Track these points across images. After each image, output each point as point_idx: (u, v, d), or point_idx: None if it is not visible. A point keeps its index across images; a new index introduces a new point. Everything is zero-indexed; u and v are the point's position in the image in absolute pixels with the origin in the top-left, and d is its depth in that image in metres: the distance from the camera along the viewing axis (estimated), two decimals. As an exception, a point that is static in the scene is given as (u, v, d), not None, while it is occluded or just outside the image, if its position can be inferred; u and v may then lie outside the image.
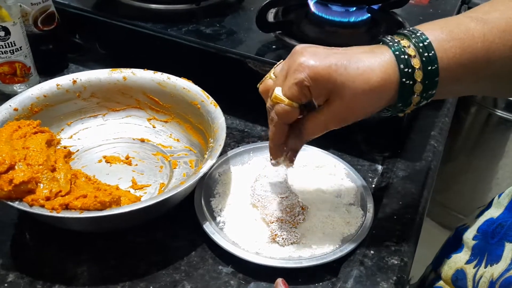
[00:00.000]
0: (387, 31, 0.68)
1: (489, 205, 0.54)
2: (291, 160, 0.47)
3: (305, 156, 0.59)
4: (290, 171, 0.56)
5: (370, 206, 0.52)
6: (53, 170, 0.47)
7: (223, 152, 0.58)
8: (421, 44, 0.39)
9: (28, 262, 0.48)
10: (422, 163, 0.59)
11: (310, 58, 0.40)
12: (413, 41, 0.39)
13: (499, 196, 0.53)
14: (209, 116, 0.57)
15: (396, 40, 0.40)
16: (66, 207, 0.43)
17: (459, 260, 0.52)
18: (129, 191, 0.50)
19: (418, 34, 0.39)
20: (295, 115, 0.42)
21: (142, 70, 0.62)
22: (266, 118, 0.56)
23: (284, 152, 0.46)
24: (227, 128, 0.56)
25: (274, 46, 0.65)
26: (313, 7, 0.67)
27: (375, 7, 0.65)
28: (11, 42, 0.64)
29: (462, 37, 0.38)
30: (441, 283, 0.54)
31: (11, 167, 0.44)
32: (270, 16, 0.69)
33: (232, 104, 0.64)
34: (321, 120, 0.42)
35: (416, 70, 0.39)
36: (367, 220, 0.51)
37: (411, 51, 0.39)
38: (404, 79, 0.39)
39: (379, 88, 0.39)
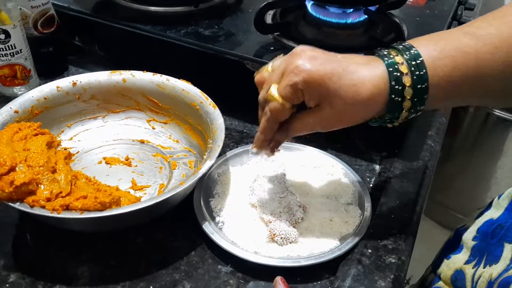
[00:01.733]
0: (383, 32, 0.68)
1: (488, 206, 0.54)
2: (272, 151, 0.49)
3: (303, 156, 0.60)
4: (288, 171, 0.57)
5: (368, 205, 0.53)
6: (54, 171, 0.47)
7: (222, 152, 0.58)
8: (413, 62, 0.40)
9: (29, 262, 0.49)
10: (419, 162, 0.59)
11: (308, 62, 0.41)
12: (406, 58, 0.40)
13: (499, 197, 0.53)
14: (208, 117, 0.57)
15: (391, 56, 0.41)
16: (67, 208, 0.44)
17: (458, 260, 0.52)
18: (129, 192, 0.50)
19: (412, 51, 0.40)
20: (286, 114, 0.44)
21: (141, 72, 0.63)
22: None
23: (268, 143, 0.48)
24: (226, 129, 0.56)
25: (272, 48, 0.66)
26: (310, 9, 0.68)
27: (372, 8, 0.65)
28: (11, 45, 0.65)
29: (454, 54, 0.39)
30: (440, 283, 0.54)
31: (12, 169, 0.44)
32: (268, 18, 0.70)
33: (231, 105, 0.65)
34: (309, 122, 0.44)
35: (406, 88, 0.40)
36: (365, 219, 0.51)
37: (403, 68, 0.40)
38: (393, 95, 0.40)
39: (368, 101, 0.40)
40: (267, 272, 0.47)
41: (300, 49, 0.43)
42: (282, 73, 0.42)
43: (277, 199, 0.52)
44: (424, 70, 0.39)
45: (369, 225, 0.50)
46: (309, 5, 0.68)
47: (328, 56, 0.42)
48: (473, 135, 1.45)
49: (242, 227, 0.51)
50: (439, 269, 0.55)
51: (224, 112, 0.58)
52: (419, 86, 0.39)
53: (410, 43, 0.41)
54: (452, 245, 0.55)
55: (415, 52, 0.40)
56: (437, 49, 0.40)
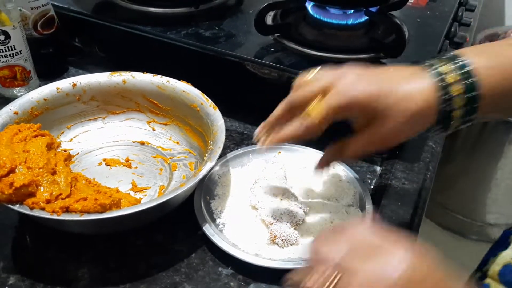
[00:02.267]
0: (384, 33, 0.68)
1: None
2: (271, 143, 0.46)
3: (304, 158, 0.60)
4: (289, 172, 0.57)
5: (369, 207, 0.53)
6: (54, 173, 0.47)
7: (223, 154, 0.58)
8: (462, 71, 0.40)
9: (29, 264, 0.48)
10: (420, 164, 0.59)
11: (354, 83, 0.41)
12: (454, 67, 0.40)
13: None
14: (209, 118, 0.57)
15: (436, 66, 0.41)
16: (67, 209, 0.44)
17: (506, 255, 0.53)
18: (129, 194, 0.50)
19: (460, 60, 0.40)
20: (318, 134, 0.43)
21: (141, 73, 0.62)
22: (265, 119, 0.56)
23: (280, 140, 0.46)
24: (227, 130, 0.56)
25: (272, 49, 0.65)
26: (311, 10, 0.68)
27: (373, 9, 0.65)
28: (11, 46, 0.65)
29: (504, 64, 0.39)
30: (487, 280, 0.54)
31: (12, 171, 0.44)
32: (269, 19, 0.70)
33: (231, 106, 0.65)
34: (361, 143, 0.43)
35: (456, 97, 0.39)
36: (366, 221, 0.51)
37: (450, 78, 0.40)
38: (443, 106, 0.40)
39: (418, 115, 0.40)
40: (268, 274, 0.47)
41: (346, 68, 0.43)
42: (325, 89, 0.42)
43: (277, 201, 0.52)
44: (475, 79, 0.39)
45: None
46: (309, 6, 0.68)
47: (375, 74, 0.42)
48: (474, 137, 1.45)
49: (242, 229, 0.50)
50: (486, 267, 0.55)
51: (224, 113, 0.58)
52: (469, 94, 0.39)
53: (455, 53, 0.41)
54: (499, 245, 0.56)
55: (464, 60, 0.40)
56: (486, 59, 0.40)
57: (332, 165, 0.58)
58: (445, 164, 1.52)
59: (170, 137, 0.63)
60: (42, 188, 0.45)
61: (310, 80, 0.44)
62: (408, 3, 0.74)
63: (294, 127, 0.44)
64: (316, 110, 0.42)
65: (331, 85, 0.42)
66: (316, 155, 0.60)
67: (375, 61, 0.64)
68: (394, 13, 0.73)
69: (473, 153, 1.47)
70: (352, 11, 0.66)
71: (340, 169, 0.58)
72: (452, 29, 0.76)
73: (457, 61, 0.40)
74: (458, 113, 0.40)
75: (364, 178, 0.59)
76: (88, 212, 0.43)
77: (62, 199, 0.45)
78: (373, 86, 0.40)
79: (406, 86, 0.40)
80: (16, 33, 0.65)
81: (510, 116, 0.46)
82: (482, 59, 0.40)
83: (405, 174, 0.58)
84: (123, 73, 0.62)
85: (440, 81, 0.39)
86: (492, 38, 1.55)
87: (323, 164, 0.48)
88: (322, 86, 0.42)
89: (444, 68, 0.40)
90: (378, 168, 0.61)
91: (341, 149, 0.45)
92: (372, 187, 0.59)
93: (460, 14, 0.81)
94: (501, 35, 1.55)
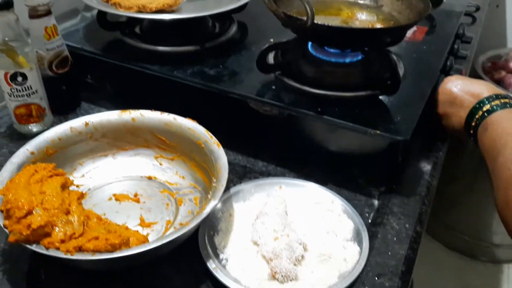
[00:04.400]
0: (381, 69, 0.71)
1: None
2: None
3: (305, 192, 0.62)
4: (290, 207, 0.59)
5: (366, 242, 0.55)
6: (67, 213, 0.50)
7: (226, 188, 0.60)
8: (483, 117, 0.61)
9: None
10: (416, 198, 0.62)
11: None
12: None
13: None
14: (213, 155, 0.60)
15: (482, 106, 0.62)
16: (80, 249, 0.47)
17: None
18: (137, 231, 0.53)
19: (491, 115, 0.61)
20: None
21: (149, 111, 0.66)
22: (267, 153, 0.59)
23: None
24: (230, 163, 0.59)
25: (273, 86, 0.69)
26: (310, 48, 0.71)
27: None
28: (28, 86, 0.69)
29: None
30: None
31: (29, 212, 0.47)
32: (270, 57, 0.73)
33: (235, 140, 0.68)
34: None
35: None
36: (363, 256, 0.53)
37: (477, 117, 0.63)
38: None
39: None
40: (268, 309, 0.49)
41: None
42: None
43: (278, 236, 0.54)
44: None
45: (366, 262, 0.53)
46: (309, 45, 0.71)
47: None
48: (478, 156, 1.45)
49: (244, 264, 0.53)
50: None
51: (228, 147, 0.61)
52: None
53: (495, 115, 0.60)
54: None
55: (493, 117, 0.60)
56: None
57: (332, 199, 0.61)
58: (450, 183, 1.52)
59: (176, 171, 0.66)
60: (57, 228, 0.48)
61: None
62: (405, 38, 0.77)
63: None
64: None
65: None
66: (316, 189, 0.63)
67: (372, 99, 0.66)
68: (391, 48, 0.76)
69: (478, 172, 1.47)
70: (350, 50, 0.69)
71: (338, 204, 0.61)
72: (448, 63, 0.78)
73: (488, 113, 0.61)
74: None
75: (362, 212, 0.61)
76: (99, 251, 0.46)
77: (75, 238, 0.48)
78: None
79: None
80: (32, 74, 0.69)
81: None
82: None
83: (401, 209, 0.60)
84: (132, 111, 0.66)
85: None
86: (495, 59, 1.57)
87: None
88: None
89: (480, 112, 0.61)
90: (376, 202, 0.64)
91: None
92: (370, 221, 0.61)
93: (456, 47, 0.84)
94: (503, 57, 1.58)
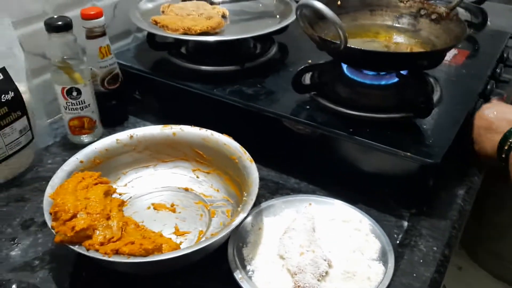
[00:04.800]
0: (416, 92, 0.71)
1: None
2: None
3: (333, 210, 0.64)
4: (317, 224, 0.61)
5: (392, 262, 0.55)
6: (108, 218, 0.54)
7: (257, 203, 0.63)
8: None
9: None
10: (447, 222, 0.61)
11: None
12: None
13: None
14: (245, 171, 0.63)
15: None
16: (116, 252, 0.50)
17: None
18: (170, 239, 0.56)
19: None
20: None
21: (189, 126, 0.70)
22: (299, 171, 0.60)
23: None
24: (263, 179, 0.62)
25: (308, 106, 0.71)
26: (346, 70, 0.73)
27: (404, 72, 0.69)
28: (81, 101, 0.75)
29: None
30: None
31: (74, 216, 0.52)
32: (307, 77, 0.75)
33: (268, 156, 0.70)
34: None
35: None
36: (387, 276, 0.54)
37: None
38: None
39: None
40: (290, 321, 0.50)
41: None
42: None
43: (304, 252, 0.56)
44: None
45: (390, 282, 0.53)
46: (344, 67, 0.73)
47: None
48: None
49: (270, 276, 0.55)
50: None
51: (262, 162, 0.63)
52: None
53: None
54: None
55: None
56: None
57: (360, 219, 0.62)
58: (499, 211, 1.46)
59: (211, 184, 0.69)
60: (97, 231, 0.52)
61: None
62: (445, 61, 0.77)
63: None
64: None
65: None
66: (344, 207, 0.64)
67: (406, 121, 0.67)
68: (430, 71, 0.76)
69: (530, 200, 1.41)
70: (385, 72, 0.70)
71: (366, 223, 0.61)
72: (489, 87, 0.77)
73: None
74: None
75: (390, 232, 0.62)
76: (134, 255, 0.50)
77: (113, 242, 0.52)
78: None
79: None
80: (86, 89, 0.75)
81: None
82: None
83: (431, 232, 0.60)
84: (173, 126, 0.70)
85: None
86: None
87: None
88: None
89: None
90: (405, 223, 0.64)
91: None
92: (398, 242, 0.61)
93: (498, 71, 0.83)
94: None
